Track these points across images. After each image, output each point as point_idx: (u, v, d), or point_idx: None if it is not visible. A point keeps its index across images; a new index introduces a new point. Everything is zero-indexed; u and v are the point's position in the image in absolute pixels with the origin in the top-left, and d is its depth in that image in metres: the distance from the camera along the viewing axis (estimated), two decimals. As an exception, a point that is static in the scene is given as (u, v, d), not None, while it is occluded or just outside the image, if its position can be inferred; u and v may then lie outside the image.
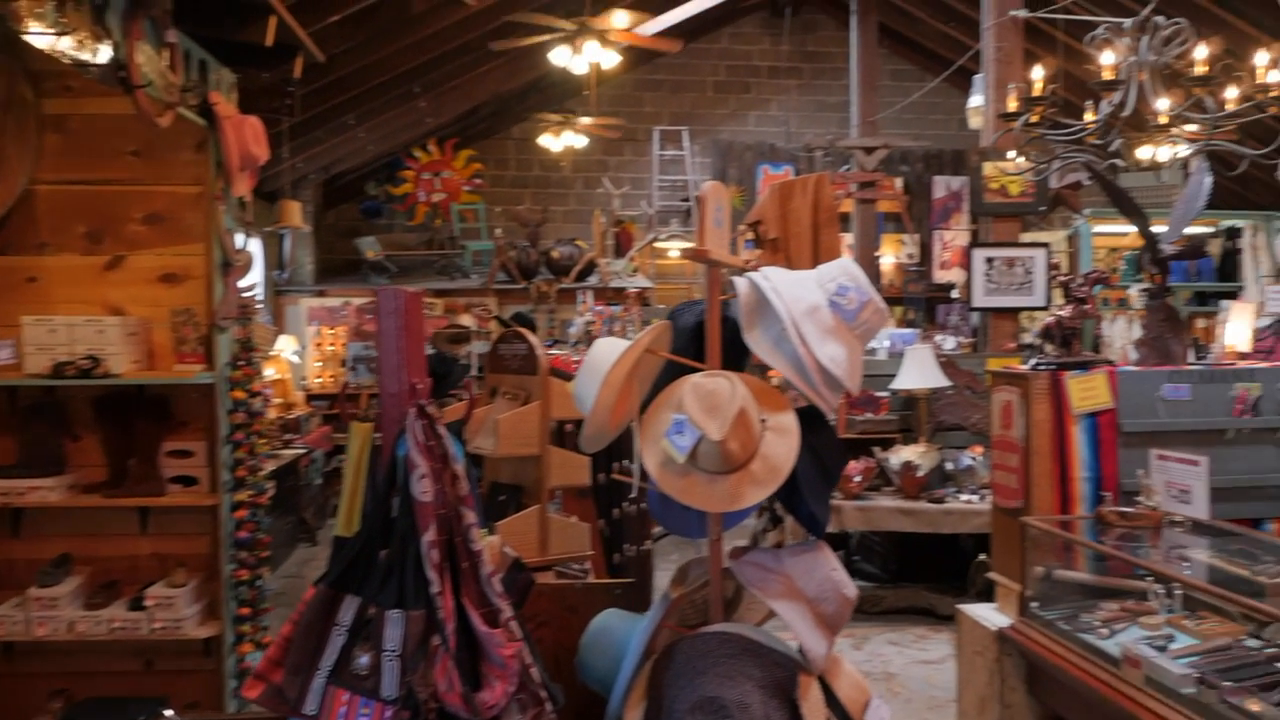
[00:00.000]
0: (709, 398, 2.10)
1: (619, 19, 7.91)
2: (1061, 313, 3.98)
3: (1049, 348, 4.02)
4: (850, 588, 2.26)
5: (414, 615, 1.98)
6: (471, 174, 12.96)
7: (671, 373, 2.31)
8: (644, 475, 2.23)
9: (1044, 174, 5.31)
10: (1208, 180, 4.05)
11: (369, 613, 2.04)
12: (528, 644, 2.09)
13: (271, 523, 4.70)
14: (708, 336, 2.28)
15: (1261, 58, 3.90)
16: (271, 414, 8.19)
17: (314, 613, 2.08)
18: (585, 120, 11.25)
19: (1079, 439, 3.79)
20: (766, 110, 13.96)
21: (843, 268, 2.28)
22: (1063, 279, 4.11)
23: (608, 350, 2.29)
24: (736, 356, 2.31)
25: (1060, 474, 3.79)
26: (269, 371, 8.84)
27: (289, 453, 8.05)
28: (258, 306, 4.25)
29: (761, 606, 2.38)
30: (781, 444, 2.14)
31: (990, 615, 3.97)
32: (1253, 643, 3.09)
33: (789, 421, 2.18)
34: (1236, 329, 4.24)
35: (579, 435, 2.37)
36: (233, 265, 3.91)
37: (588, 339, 8.67)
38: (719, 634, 2.21)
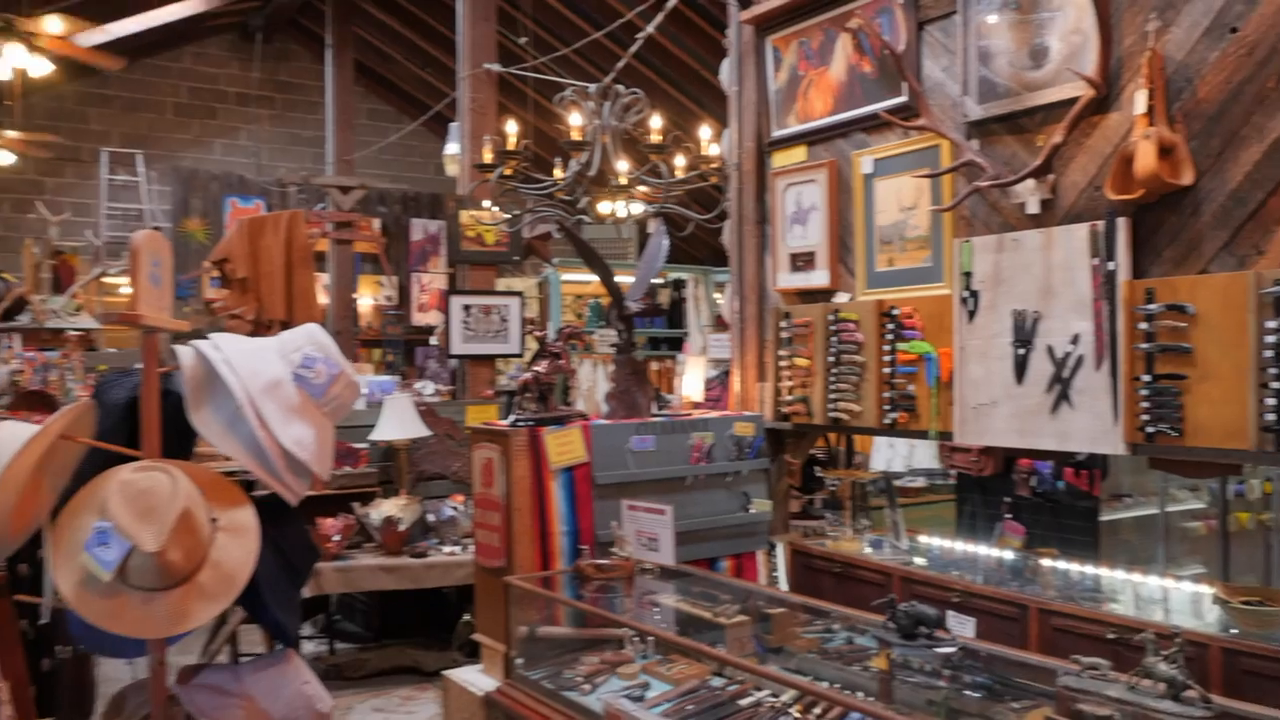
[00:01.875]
0: (142, 498, 1.72)
1: (52, 24, 6.87)
2: (538, 368, 4.01)
3: (527, 401, 4.03)
4: (325, 701, 1.98)
5: None
6: None
7: (97, 462, 1.88)
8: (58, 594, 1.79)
9: (517, 225, 5.43)
10: (665, 242, 4.34)
11: None
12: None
13: None
14: (143, 417, 1.89)
15: (704, 132, 4.28)
16: None
17: None
18: (11, 134, 9.70)
19: (557, 494, 3.82)
20: (235, 139, 13.12)
21: (309, 335, 2.00)
22: (539, 335, 4.16)
23: (6, 438, 1.80)
24: (181, 441, 1.94)
25: (541, 529, 3.80)
26: None
27: None
28: None
29: (218, 733, 2.01)
30: (237, 546, 1.81)
31: (476, 678, 3.87)
32: (717, 680, 3.27)
33: (246, 518, 1.85)
34: (691, 381, 4.60)
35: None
36: None
37: (14, 392, 7.36)
38: (161, 781, 1.83)
